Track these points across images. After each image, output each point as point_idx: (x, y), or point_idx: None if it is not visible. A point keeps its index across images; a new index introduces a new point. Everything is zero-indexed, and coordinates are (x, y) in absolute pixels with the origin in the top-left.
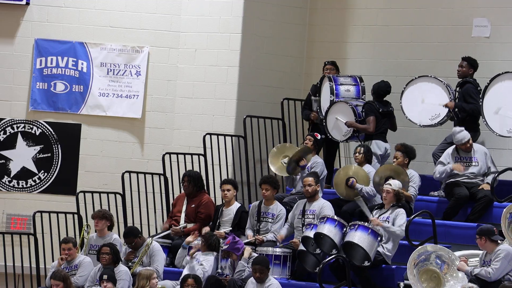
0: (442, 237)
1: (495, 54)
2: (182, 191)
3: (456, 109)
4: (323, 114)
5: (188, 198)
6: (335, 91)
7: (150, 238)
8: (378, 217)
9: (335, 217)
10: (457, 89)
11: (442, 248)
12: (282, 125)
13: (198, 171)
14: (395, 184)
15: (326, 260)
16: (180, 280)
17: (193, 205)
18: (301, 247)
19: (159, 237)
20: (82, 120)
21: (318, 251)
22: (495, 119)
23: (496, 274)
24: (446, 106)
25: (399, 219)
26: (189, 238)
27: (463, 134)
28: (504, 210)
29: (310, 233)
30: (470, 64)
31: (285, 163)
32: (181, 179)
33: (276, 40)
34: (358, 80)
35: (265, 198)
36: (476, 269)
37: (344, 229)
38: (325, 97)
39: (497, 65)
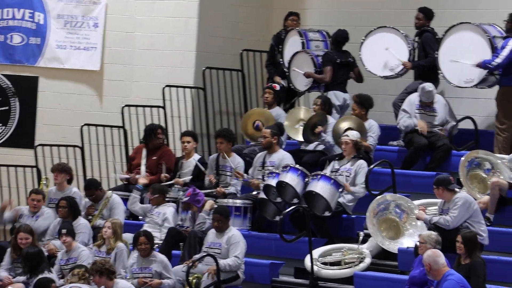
0: (401, 186)
1: (454, 2)
2: (138, 144)
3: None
4: (286, 65)
5: (149, 150)
6: (306, 47)
7: (111, 191)
8: (338, 168)
9: (298, 167)
10: (416, 38)
11: (401, 197)
12: (242, 76)
13: (158, 123)
14: (353, 134)
15: (287, 210)
16: (133, 238)
17: (154, 157)
18: (262, 195)
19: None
20: (39, 72)
21: (279, 200)
22: (451, 71)
23: (455, 222)
24: (404, 66)
25: (360, 175)
26: (142, 180)
27: (430, 95)
28: (462, 158)
29: (272, 182)
30: (425, 14)
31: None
32: (151, 132)
33: None
34: (326, 36)
35: (221, 151)
36: (434, 218)
37: (306, 179)
38: (291, 49)
39: (456, 14)
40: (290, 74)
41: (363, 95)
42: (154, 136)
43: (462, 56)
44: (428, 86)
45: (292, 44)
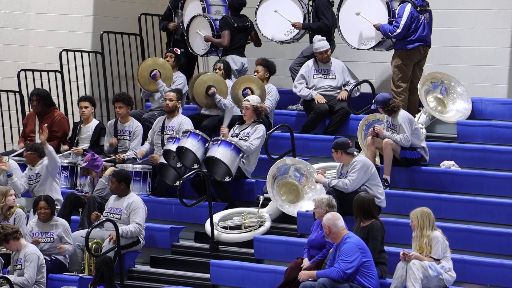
0: (300, 150)
1: None
2: (31, 110)
3: (304, 30)
4: (185, 29)
5: (39, 117)
6: (207, 12)
7: (7, 157)
8: (238, 133)
9: (198, 132)
10: (310, 2)
11: (301, 161)
12: (140, 40)
13: (55, 88)
14: (253, 99)
15: (187, 175)
16: (33, 203)
17: (46, 124)
18: (162, 160)
19: (15, 155)
20: None
21: (179, 165)
22: (350, 33)
23: (353, 185)
24: (294, 26)
25: (254, 134)
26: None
27: (322, 43)
28: (360, 122)
29: (172, 147)
30: None
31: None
32: (29, 99)
33: None
34: (226, 0)
35: (119, 116)
36: (333, 181)
37: (207, 144)
38: (191, 14)
39: None
40: (189, 38)
41: (269, 60)
42: (29, 103)
43: (360, 19)
44: (320, 37)
45: (192, 8)
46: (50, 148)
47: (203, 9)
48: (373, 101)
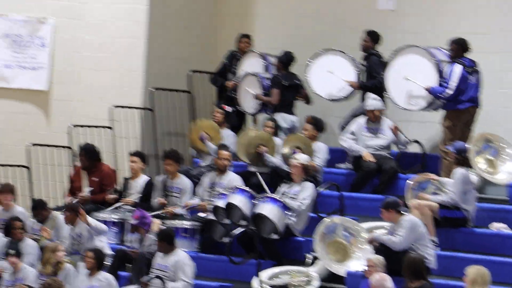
0: (349, 209)
1: (400, 27)
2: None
3: (360, 89)
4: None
5: (88, 172)
6: (268, 70)
7: (57, 212)
8: (287, 191)
9: (246, 188)
10: (363, 62)
11: (349, 220)
12: (190, 97)
13: (105, 144)
14: (301, 158)
15: (236, 232)
16: None
17: (95, 178)
18: (210, 216)
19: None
20: None
21: (227, 221)
22: (399, 93)
23: (403, 243)
24: (350, 85)
25: (303, 192)
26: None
27: (375, 103)
28: (411, 182)
29: (221, 203)
30: (372, 38)
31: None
32: (76, 156)
33: (184, 12)
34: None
35: (168, 173)
36: (384, 237)
37: (254, 201)
38: (248, 70)
39: (401, 37)
40: (239, 97)
41: (318, 118)
42: (78, 159)
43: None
44: (374, 96)
45: (250, 65)
46: (91, 223)
47: (265, 68)
48: (452, 143)
